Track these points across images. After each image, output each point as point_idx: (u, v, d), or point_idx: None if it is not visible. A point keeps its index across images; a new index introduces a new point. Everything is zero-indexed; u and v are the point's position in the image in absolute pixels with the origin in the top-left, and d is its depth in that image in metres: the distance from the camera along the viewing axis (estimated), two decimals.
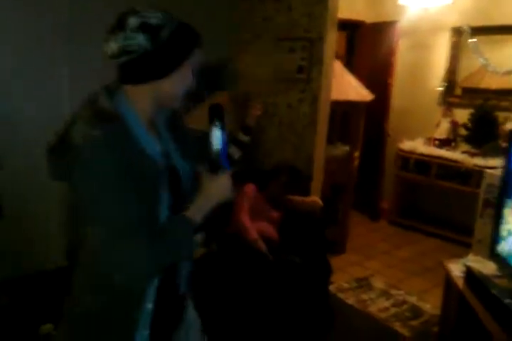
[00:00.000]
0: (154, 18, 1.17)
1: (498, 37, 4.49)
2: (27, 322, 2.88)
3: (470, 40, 4.58)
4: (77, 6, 3.37)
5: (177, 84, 1.26)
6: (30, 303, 3.12)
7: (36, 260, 3.46)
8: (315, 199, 3.47)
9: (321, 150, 3.82)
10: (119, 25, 1.16)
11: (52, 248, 3.51)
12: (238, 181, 3.36)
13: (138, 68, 1.20)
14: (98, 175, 1.14)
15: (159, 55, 1.19)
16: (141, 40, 1.15)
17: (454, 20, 4.71)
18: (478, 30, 4.55)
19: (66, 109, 3.46)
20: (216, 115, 1.29)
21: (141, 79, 1.22)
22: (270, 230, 3.21)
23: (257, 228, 3.09)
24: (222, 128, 1.29)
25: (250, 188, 3.23)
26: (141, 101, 1.26)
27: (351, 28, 5.40)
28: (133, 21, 1.15)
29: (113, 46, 1.16)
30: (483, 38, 4.56)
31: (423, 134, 4.97)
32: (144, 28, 1.15)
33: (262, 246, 2.98)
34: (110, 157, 1.13)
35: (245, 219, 3.08)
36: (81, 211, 1.23)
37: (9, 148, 3.32)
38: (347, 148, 4.37)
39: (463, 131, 4.59)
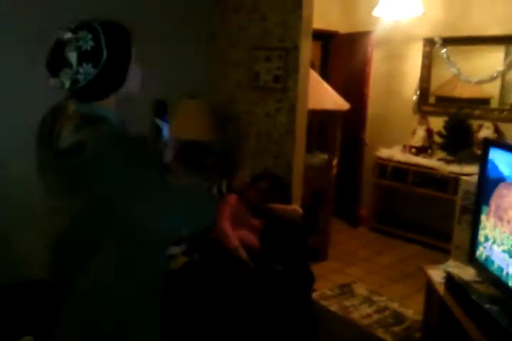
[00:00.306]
0: (87, 43, 1.27)
1: (469, 47, 4.62)
2: (7, 334, 2.83)
3: (442, 51, 4.69)
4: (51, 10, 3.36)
5: (133, 83, 1.39)
6: (10, 314, 3.07)
7: (18, 270, 3.42)
8: (295, 207, 3.49)
9: (299, 159, 3.86)
10: (62, 62, 1.27)
11: (36, 258, 3.46)
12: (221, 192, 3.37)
13: (94, 90, 1.32)
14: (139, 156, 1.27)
15: (108, 74, 1.31)
16: (87, 69, 1.27)
17: (426, 31, 4.83)
18: (449, 41, 4.67)
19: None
20: (163, 110, 1.59)
21: (102, 95, 1.34)
22: (251, 238, 3.22)
23: (237, 236, 3.09)
24: (166, 122, 1.59)
25: (233, 198, 3.24)
26: (109, 106, 1.38)
27: (326, 38, 5.48)
28: (72, 56, 1.26)
29: (65, 81, 1.28)
30: (454, 48, 4.68)
31: (400, 142, 5.05)
32: (84, 58, 1.26)
33: (243, 253, 2.99)
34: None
35: (226, 226, 3.08)
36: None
37: None
38: (325, 156, 4.41)
39: (438, 139, 4.68)
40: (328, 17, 5.28)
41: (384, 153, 5.02)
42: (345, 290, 3.81)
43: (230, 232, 3.05)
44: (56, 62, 1.28)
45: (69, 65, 1.26)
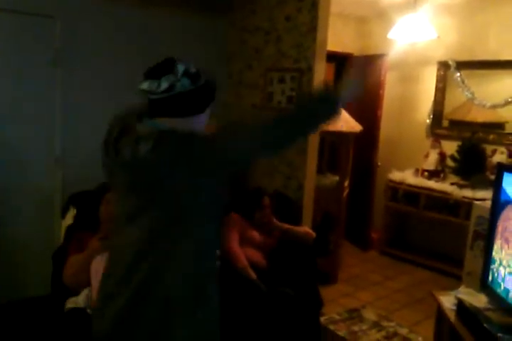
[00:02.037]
0: (193, 68, 1.53)
1: (483, 71, 4.60)
2: None
3: (456, 74, 4.69)
4: (69, 30, 3.44)
5: (198, 124, 1.56)
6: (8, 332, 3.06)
7: (15, 288, 3.43)
8: (307, 230, 3.45)
9: (311, 180, 3.84)
10: (169, 69, 1.49)
11: (32, 276, 3.46)
12: (224, 210, 3.35)
13: (179, 104, 1.51)
14: None
15: (195, 96, 1.53)
16: (185, 83, 1.49)
17: (440, 54, 4.84)
18: (464, 65, 4.67)
19: (58, 130, 3.49)
20: None
21: (180, 113, 1.52)
22: (258, 257, 3.18)
23: (245, 255, 3.06)
24: None
25: (234, 217, 3.21)
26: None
27: (339, 61, 5.51)
28: (180, 68, 1.50)
29: (164, 84, 1.47)
30: (468, 72, 4.68)
31: (412, 165, 5.02)
32: (187, 74, 1.50)
33: (252, 274, 2.95)
34: None
35: (235, 246, 3.05)
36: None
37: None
38: (336, 178, 4.39)
39: (451, 163, 4.64)
40: (342, 39, 5.32)
41: (396, 175, 4.98)
42: (354, 314, 3.74)
43: (238, 251, 3.02)
44: (163, 68, 1.49)
45: (175, 72, 1.48)
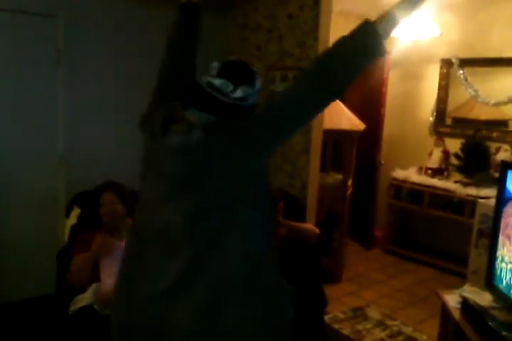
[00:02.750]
0: (260, 80, 1.54)
1: (487, 69, 4.59)
2: None
3: (459, 72, 4.67)
4: (71, 29, 3.44)
5: None
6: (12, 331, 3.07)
7: (19, 288, 3.44)
8: (312, 227, 3.44)
9: (314, 178, 3.84)
10: (250, 80, 1.50)
11: (36, 275, 3.47)
12: None
13: (237, 113, 1.49)
14: None
15: (251, 111, 1.53)
16: (255, 99, 1.52)
17: (443, 52, 4.82)
18: (467, 62, 4.66)
19: (60, 130, 3.49)
20: None
21: (230, 118, 1.48)
22: None
23: None
24: None
25: None
26: None
27: None
28: (258, 84, 1.52)
29: (239, 93, 1.47)
30: (471, 69, 4.66)
31: (415, 163, 5.01)
32: (260, 88, 1.53)
33: None
34: None
35: None
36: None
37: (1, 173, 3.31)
38: (340, 176, 4.38)
39: (455, 161, 4.63)
40: None
41: (399, 174, 4.97)
42: (359, 313, 3.74)
43: None
44: (244, 77, 1.50)
45: (253, 87, 1.50)
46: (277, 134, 1.47)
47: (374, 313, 3.74)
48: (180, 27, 1.78)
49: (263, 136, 1.45)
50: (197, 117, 1.47)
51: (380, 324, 3.58)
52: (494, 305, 2.28)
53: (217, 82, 1.47)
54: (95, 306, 2.35)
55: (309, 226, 3.44)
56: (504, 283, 2.21)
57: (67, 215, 2.93)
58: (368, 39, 1.48)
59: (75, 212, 2.86)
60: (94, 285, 2.42)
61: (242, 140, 1.43)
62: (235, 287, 1.46)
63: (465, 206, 4.35)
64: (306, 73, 1.49)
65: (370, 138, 4.97)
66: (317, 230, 3.41)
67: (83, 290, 2.43)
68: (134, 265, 1.57)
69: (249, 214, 1.48)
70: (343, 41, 1.49)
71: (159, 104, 1.64)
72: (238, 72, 1.50)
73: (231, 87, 1.46)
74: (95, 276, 2.43)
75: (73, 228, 2.81)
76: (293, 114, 1.44)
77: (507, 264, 2.19)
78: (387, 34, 1.49)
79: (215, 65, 1.51)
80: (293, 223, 3.34)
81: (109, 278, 2.31)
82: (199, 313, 1.43)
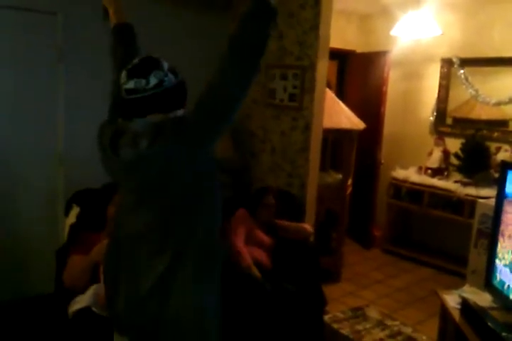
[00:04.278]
0: (171, 65, 1.60)
1: (487, 68, 4.58)
2: None
3: (460, 71, 4.66)
4: (71, 26, 3.43)
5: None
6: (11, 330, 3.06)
7: (19, 286, 3.43)
8: (305, 226, 3.43)
9: (314, 178, 3.83)
10: (155, 66, 1.55)
11: (35, 274, 3.47)
12: (230, 207, 3.35)
13: (167, 98, 1.56)
14: None
15: (180, 90, 1.60)
16: (171, 78, 1.56)
17: (444, 51, 4.81)
18: (467, 62, 4.64)
19: (60, 128, 3.48)
20: None
21: (168, 108, 1.57)
22: (262, 256, 3.17)
23: (249, 254, 3.05)
24: None
25: (243, 213, 3.20)
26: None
27: (342, 57, 5.49)
28: (166, 65, 1.57)
29: (153, 80, 1.52)
30: (472, 69, 4.65)
31: (415, 163, 5.00)
32: (171, 69, 1.58)
33: (256, 272, 2.94)
34: None
35: (240, 244, 3.04)
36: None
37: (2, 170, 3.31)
38: (339, 175, 4.38)
39: (455, 161, 4.62)
40: (345, 36, 5.30)
41: (399, 173, 4.96)
42: (358, 313, 3.73)
43: (243, 250, 3.01)
44: (149, 66, 1.54)
45: (162, 68, 1.55)
46: (214, 122, 1.53)
47: (373, 313, 3.74)
48: (119, 52, 1.86)
49: (201, 127, 1.51)
50: (139, 125, 1.55)
51: (380, 324, 3.57)
52: (494, 305, 2.27)
53: (130, 84, 1.53)
54: (94, 309, 2.32)
55: (302, 225, 3.43)
56: (498, 278, 2.24)
57: (66, 214, 2.92)
58: (256, 7, 1.53)
59: (74, 210, 2.85)
60: (94, 287, 2.39)
61: (183, 136, 1.49)
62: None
63: (465, 206, 4.34)
64: (221, 58, 1.54)
65: (370, 138, 4.97)
66: (310, 229, 3.41)
67: (82, 291, 2.42)
68: (118, 267, 1.69)
69: (207, 203, 1.62)
70: (239, 23, 1.54)
71: (112, 122, 1.73)
72: (142, 65, 1.56)
73: (143, 81, 1.52)
74: (95, 277, 2.40)
75: (72, 227, 2.80)
76: (220, 109, 1.51)
77: (501, 260, 2.24)
78: None
79: (123, 74, 1.58)
80: (284, 222, 3.34)
81: None
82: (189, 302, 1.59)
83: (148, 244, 1.59)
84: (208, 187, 1.60)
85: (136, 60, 1.59)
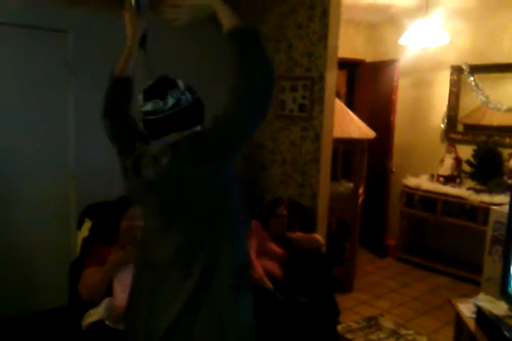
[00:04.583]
0: (186, 83, 1.60)
1: (497, 75, 4.56)
2: None
3: (470, 78, 4.64)
4: (81, 43, 3.48)
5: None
6: None
7: (30, 300, 3.45)
8: (316, 236, 3.43)
9: (325, 188, 3.82)
10: (172, 85, 1.56)
11: (47, 288, 3.49)
12: None
13: (186, 117, 1.57)
14: None
15: (198, 107, 1.61)
16: (188, 96, 1.56)
17: (453, 58, 4.81)
18: (477, 69, 4.63)
19: (71, 143, 3.51)
20: None
21: (187, 126, 1.57)
22: (275, 267, 3.17)
23: (261, 265, 3.05)
24: None
25: (255, 225, 3.21)
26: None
27: (351, 67, 5.50)
28: (181, 84, 1.58)
29: (171, 100, 1.53)
30: (482, 75, 4.63)
31: (427, 170, 4.98)
32: (188, 88, 1.58)
33: (269, 284, 2.94)
34: None
35: (252, 256, 3.04)
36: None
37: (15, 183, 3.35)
38: (351, 185, 4.37)
39: (467, 168, 4.59)
40: (354, 45, 5.32)
41: (411, 181, 4.94)
42: (372, 323, 3.70)
43: (255, 262, 3.01)
44: (165, 86, 1.55)
45: (178, 87, 1.56)
46: (228, 144, 1.49)
47: (387, 323, 3.71)
48: (112, 102, 1.82)
49: (216, 146, 1.48)
50: (157, 147, 1.56)
51: (394, 333, 3.54)
52: (510, 314, 2.25)
53: (148, 106, 1.55)
54: (107, 322, 2.33)
55: (313, 236, 3.43)
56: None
57: (79, 227, 2.94)
58: (235, 37, 1.47)
59: (87, 224, 2.87)
60: (106, 300, 2.41)
61: (201, 154, 1.48)
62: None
63: (478, 213, 4.31)
64: (231, 94, 1.46)
65: (381, 146, 4.96)
66: (321, 240, 3.41)
67: (96, 304, 2.43)
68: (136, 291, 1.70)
69: (233, 217, 1.61)
70: (231, 56, 1.47)
71: (121, 154, 1.76)
72: (158, 87, 1.56)
73: (161, 102, 1.53)
74: (108, 290, 2.42)
75: (85, 240, 2.82)
76: (237, 127, 1.45)
77: None
78: (234, 21, 1.50)
79: (139, 97, 1.59)
80: (296, 234, 3.34)
81: (122, 292, 2.30)
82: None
83: (179, 268, 1.57)
84: (231, 201, 1.58)
85: (151, 81, 1.59)
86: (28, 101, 3.36)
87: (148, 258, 1.67)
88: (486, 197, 4.25)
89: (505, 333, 2.03)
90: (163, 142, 1.55)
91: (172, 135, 1.56)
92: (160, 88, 1.55)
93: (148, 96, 1.55)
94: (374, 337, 3.48)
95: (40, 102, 3.39)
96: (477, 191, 4.40)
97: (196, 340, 1.54)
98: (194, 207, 1.54)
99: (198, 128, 1.60)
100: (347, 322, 3.65)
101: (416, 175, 5.00)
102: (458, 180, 4.73)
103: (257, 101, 1.42)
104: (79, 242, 2.89)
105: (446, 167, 4.79)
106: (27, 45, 3.31)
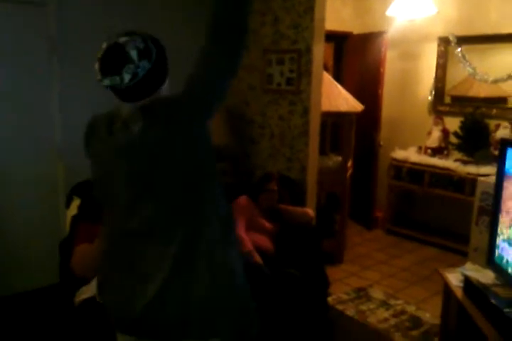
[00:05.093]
0: (140, 43, 1.50)
1: (485, 46, 4.54)
2: None
3: (457, 50, 4.62)
4: (65, 26, 3.40)
5: (166, 91, 1.61)
6: (16, 323, 3.10)
7: (21, 279, 3.46)
8: (306, 210, 3.45)
9: (314, 161, 3.83)
10: (124, 59, 1.48)
11: (38, 266, 3.50)
12: (231, 194, 3.36)
13: (146, 85, 1.52)
14: None
15: (156, 71, 1.54)
16: (144, 64, 1.50)
17: (440, 30, 4.77)
18: (464, 40, 4.61)
19: (57, 120, 3.47)
20: None
21: (150, 92, 1.54)
22: (264, 241, 3.19)
23: (251, 240, 3.07)
24: None
25: (244, 200, 3.22)
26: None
27: (339, 39, 5.44)
28: (133, 53, 1.48)
29: (127, 76, 1.48)
30: (469, 47, 4.61)
31: (415, 143, 5.00)
32: (141, 54, 1.49)
33: (257, 258, 2.96)
34: None
35: (240, 230, 3.06)
36: None
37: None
38: (339, 158, 4.38)
39: (454, 140, 4.61)
40: (341, 17, 5.25)
41: (399, 154, 4.96)
42: (362, 294, 3.77)
43: (243, 236, 3.03)
44: (118, 61, 1.48)
45: (131, 61, 1.48)
46: (206, 98, 1.50)
47: (377, 293, 3.77)
48: None
49: (193, 105, 1.48)
50: (127, 109, 1.54)
51: (384, 304, 3.61)
52: (496, 282, 2.29)
53: (106, 82, 1.51)
54: (98, 298, 2.35)
55: (303, 209, 3.45)
56: (497, 253, 2.27)
57: (68, 206, 2.93)
58: None
59: (75, 202, 2.86)
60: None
61: (175, 117, 1.48)
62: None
63: (465, 184, 4.35)
64: (206, 38, 1.50)
65: (369, 119, 4.96)
66: (311, 213, 3.43)
67: (88, 281, 2.44)
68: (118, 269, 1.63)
69: (209, 184, 1.58)
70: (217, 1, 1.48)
71: None
72: (111, 61, 1.50)
73: (117, 78, 1.48)
74: None
75: (74, 218, 2.81)
76: (210, 82, 1.49)
77: (499, 235, 2.27)
78: None
79: (96, 66, 1.53)
80: (286, 207, 3.36)
81: None
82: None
83: (153, 239, 1.53)
84: (209, 174, 1.57)
85: (104, 47, 1.53)
86: (9, 79, 3.30)
87: (123, 228, 1.60)
88: (473, 169, 4.29)
89: (492, 301, 2.07)
90: (133, 106, 1.53)
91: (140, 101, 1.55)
92: (114, 64, 1.49)
93: (104, 71, 1.51)
94: (364, 307, 3.55)
95: (21, 80, 3.33)
96: (464, 162, 4.43)
97: (194, 300, 1.52)
98: (168, 174, 1.51)
99: (165, 85, 1.59)
100: (337, 294, 3.71)
101: (404, 147, 5.02)
102: (445, 152, 4.75)
103: (229, 62, 1.48)
104: (68, 220, 2.88)
105: (434, 139, 4.81)
106: (2, 20, 3.23)
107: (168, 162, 1.49)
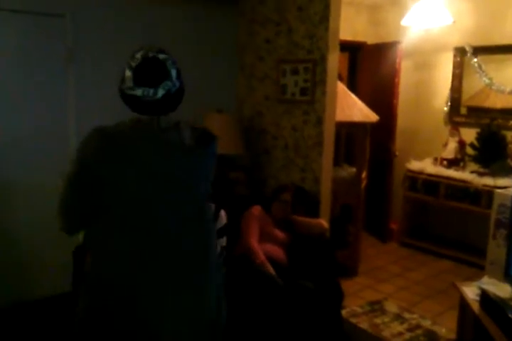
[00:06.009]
0: (176, 63, 1.62)
1: (501, 56, 4.50)
2: None
3: (473, 60, 4.58)
4: (81, 30, 3.45)
5: None
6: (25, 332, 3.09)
7: (32, 287, 3.46)
8: (320, 221, 3.43)
9: (328, 172, 3.80)
10: (164, 75, 1.59)
11: (50, 275, 3.50)
12: (245, 204, 3.35)
13: (175, 101, 1.66)
14: None
15: (183, 89, 1.68)
16: (177, 84, 1.62)
17: (457, 40, 4.74)
18: (481, 50, 4.57)
19: (72, 128, 3.50)
20: None
21: (175, 107, 1.68)
22: (278, 252, 3.17)
23: (264, 250, 3.05)
24: None
25: (257, 210, 3.21)
26: None
27: (353, 49, 5.44)
28: (174, 72, 1.61)
29: (161, 91, 1.57)
30: (485, 57, 4.57)
31: (431, 154, 4.94)
32: (178, 75, 1.63)
33: (270, 269, 2.93)
34: None
35: (253, 241, 3.04)
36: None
37: (14, 172, 3.34)
38: (354, 169, 4.34)
39: (470, 151, 4.55)
40: (355, 27, 5.25)
41: (414, 165, 4.91)
42: (376, 307, 3.70)
43: (256, 247, 3.01)
44: (159, 76, 1.57)
45: (170, 78, 1.60)
46: None
47: (391, 307, 3.71)
48: None
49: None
50: (164, 123, 1.65)
51: (398, 317, 3.54)
52: None
53: (138, 92, 1.57)
54: None
55: (317, 221, 3.43)
56: None
57: None
58: None
59: None
60: None
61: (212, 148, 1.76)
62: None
63: (482, 196, 4.28)
64: None
65: (384, 130, 4.92)
66: (325, 224, 3.40)
67: None
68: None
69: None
70: None
71: None
72: (151, 75, 1.58)
73: (151, 91, 1.57)
74: None
75: None
76: None
77: None
78: None
79: (129, 74, 1.57)
80: (300, 218, 3.34)
81: None
82: None
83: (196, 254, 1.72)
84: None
85: (139, 57, 1.57)
86: (27, 87, 3.34)
87: (153, 245, 1.64)
88: (489, 181, 4.22)
89: (510, 315, 2.02)
90: (167, 119, 1.66)
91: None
92: (153, 77, 1.57)
93: (139, 82, 1.56)
94: (378, 321, 3.49)
95: (38, 88, 3.38)
96: (481, 174, 4.36)
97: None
98: (198, 192, 1.71)
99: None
100: (351, 307, 3.65)
101: (419, 158, 4.97)
102: (461, 164, 4.69)
103: None
104: None
105: (450, 150, 4.75)
106: (24, 30, 3.28)
107: (200, 180, 1.71)
